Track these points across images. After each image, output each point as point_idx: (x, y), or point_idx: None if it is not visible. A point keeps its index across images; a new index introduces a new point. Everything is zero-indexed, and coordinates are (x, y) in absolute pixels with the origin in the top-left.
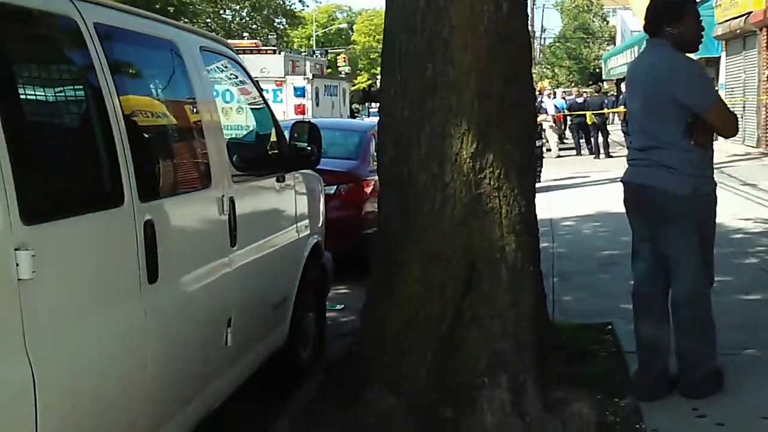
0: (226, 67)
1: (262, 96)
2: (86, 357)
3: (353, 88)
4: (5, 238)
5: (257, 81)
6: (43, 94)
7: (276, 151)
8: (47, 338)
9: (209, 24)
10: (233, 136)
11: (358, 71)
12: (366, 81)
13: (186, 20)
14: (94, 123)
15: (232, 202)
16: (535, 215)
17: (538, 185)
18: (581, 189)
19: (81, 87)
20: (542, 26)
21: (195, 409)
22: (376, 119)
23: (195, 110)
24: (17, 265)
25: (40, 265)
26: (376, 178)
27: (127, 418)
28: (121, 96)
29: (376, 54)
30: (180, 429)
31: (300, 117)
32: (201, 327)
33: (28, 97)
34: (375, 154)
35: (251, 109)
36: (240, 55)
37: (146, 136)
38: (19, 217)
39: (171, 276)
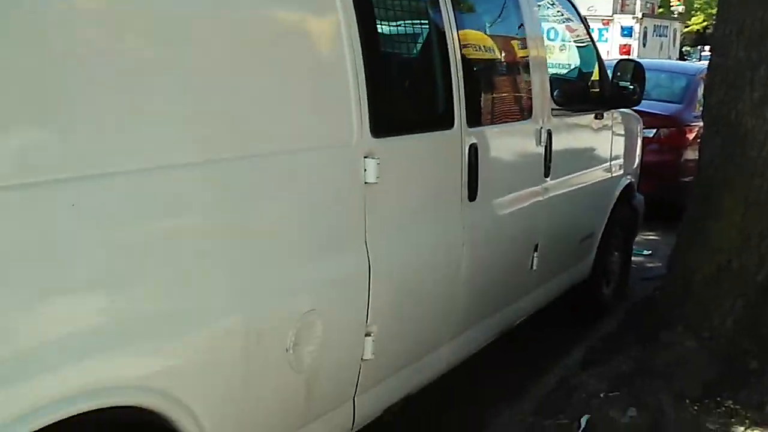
0: (554, 3)
1: (588, 34)
2: (412, 257)
3: (686, 29)
4: (358, 146)
5: (585, 18)
6: (395, 26)
7: (597, 89)
8: (382, 236)
9: None
10: (555, 72)
11: (693, 11)
12: (701, 22)
13: None
14: (435, 54)
15: (549, 134)
16: None
17: None
18: None
19: (426, 21)
20: None
21: (498, 321)
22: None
23: (523, 46)
24: (365, 170)
25: (383, 172)
26: (701, 124)
27: (439, 317)
28: (460, 30)
29: None
30: (482, 336)
31: (624, 57)
32: (510, 247)
33: (383, 28)
34: (702, 99)
35: (576, 46)
36: None
37: (477, 68)
38: (369, 131)
39: (488, 197)
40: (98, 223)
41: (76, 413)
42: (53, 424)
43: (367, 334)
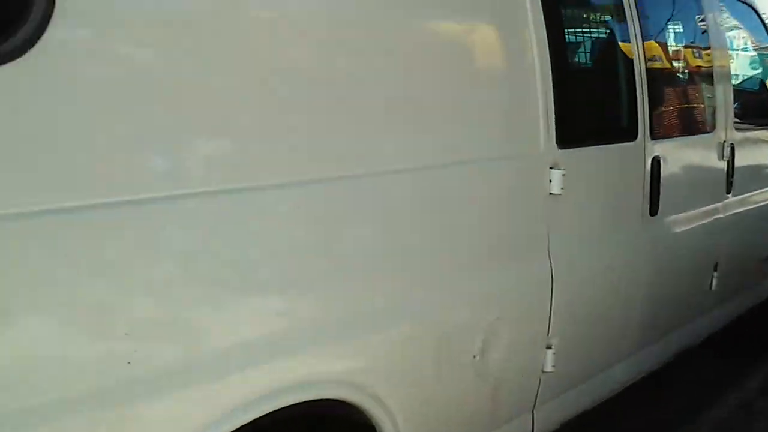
0: (737, 10)
1: None
2: (593, 270)
3: None
4: (545, 157)
5: None
6: (582, 36)
7: None
8: (565, 248)
9: None
10: (736, 83)
11: None
12: None
13: None
14: (621, 64)
15: (732, 148)
16: None
17: None
18: None
19: (612, 32)
20: None
21: (675, 341)
22: None
23: (707, 56)
24: (550, 181)
25: (567, 183)
26: None
27: (617, 334)
28: (645, 41)
29: None
30: (658, 356)
31: None
32: (689, 266)
33: (570, 38)
34: None
35: (759, 54)
36: None
37: (661, 78)
38: (555, 141)
39: (669, 212)
40: (308, 225)
41: (285, 405)
42: (265, 414)
43: (548, 346)
